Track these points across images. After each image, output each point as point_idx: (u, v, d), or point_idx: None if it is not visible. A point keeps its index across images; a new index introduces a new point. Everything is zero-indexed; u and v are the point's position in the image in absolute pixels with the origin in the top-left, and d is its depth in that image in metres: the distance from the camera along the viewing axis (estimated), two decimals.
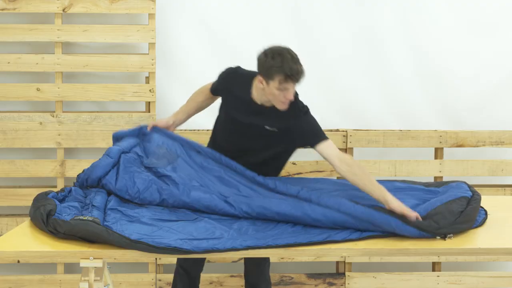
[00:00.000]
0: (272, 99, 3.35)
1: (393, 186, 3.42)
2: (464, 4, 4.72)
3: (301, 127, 3.42)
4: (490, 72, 4.77)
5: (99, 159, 3.39)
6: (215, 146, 3.67)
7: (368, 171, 3.34)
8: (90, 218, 2.85)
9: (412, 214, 3.02)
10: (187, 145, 3.58)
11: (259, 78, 3.34)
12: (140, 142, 3.56)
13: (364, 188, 3.21)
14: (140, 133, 3.60)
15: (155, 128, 3.61)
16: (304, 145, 3.52)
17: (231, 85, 3.57)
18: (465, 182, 3.46)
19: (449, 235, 2.95)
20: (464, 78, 4.76)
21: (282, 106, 3.36)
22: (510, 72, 4.78)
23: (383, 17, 4.70)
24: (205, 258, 3.86)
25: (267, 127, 3.45)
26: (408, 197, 3.30)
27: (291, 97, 3.31)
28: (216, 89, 3.69)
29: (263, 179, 3.39)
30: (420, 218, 3.01)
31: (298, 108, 3.43)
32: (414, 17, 4.73)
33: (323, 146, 3.39)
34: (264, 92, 3.36)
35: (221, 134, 3.66)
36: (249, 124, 3.48)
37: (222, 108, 3.66)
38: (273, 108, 3.42)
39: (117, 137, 3.62)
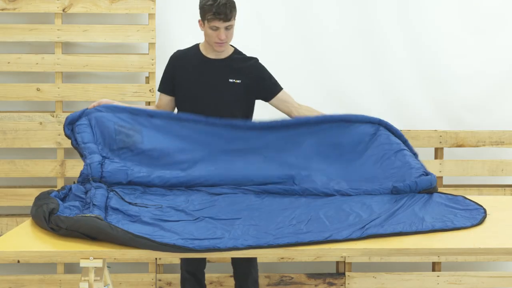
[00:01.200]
0: (208, 40, 3.62)
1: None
2: (464, 4, 4.73)
3: (263, 73, 3.73)
4: (490, 72, 4.77)
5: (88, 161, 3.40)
6: None
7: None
8: (92, 215, 2.85)
9: None
10: (138, 112, 3.61)
11: (199, 21, 3.62)
12: (93, 128, 3.51)
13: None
14: (84, 115, 3.53)
15: (99, 107, 3.57)
16: (267, 93, 3.74)
17: (178, 61, 3.73)
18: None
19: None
20: (464, 78, 4.77)
21: (217, 47, 3.62)
22: (510, 71, 4.78)
23: (383, 17, 4.70)
24: (205, 258, 3.87)
25: (230, 80, 3.66)
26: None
27: (221, 36, 3.56)
28: (164, 83, 3.77)
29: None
30: None
31: (253, 58, 3.74)
32: (414, 17, 4.73)
33: (283, 94, 3.74)
34: (204, 35, 3.63)
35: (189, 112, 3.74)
36: (212, 85, 3.66)
37: (178, 94, 3.74)
38: (230, 61, 3.66)
39: (70, 122, 3.54)
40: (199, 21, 3.64)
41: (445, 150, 4.68)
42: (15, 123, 4.40)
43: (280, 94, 3.73)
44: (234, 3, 3.59)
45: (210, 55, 3.70)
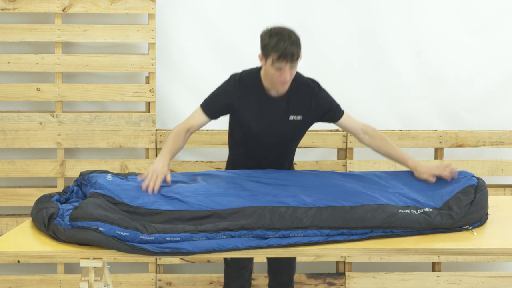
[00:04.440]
0: (271, 79, 3.33)
1: (396, 176, 3.44)
2: (464, 4, 4.72)
3: (323, 104, 3.50)
4: (490, 72, 4.77)
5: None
6: (234, 151, 3.65)
7: (389, 139, 3.55)
8: (91, 228, 2.83)
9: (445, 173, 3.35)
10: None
11: (259, 55, 3.33)
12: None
13: (388, 154, 3.50)
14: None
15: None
16: (329, 120, 3.59)
17: (240, 90, 3.45)
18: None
19: (465, 227, 3.02)
20: (464, 78, 4.76)
21: (280, 87, 3.34)
22: (510, 72, 4.78)
23: (383, 18, 4.70)
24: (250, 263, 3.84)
25: (291, 117, 3.45)
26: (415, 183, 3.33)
27: (286, 77, 3.27)
28: (217, 104, 3.48)
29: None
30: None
31: (312, 86, 3.48)
32: (414, 17, 4.73)
33: (345, 118, 3.57)
34: (264, 71, 3.36)
35: (242, 149, 3.58)
36: (272, 123, 3.45)
37: (233, 123, 3.55)
38: (289, 97, 3.43)
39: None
40: (259, 55, 3.32)
41: (445, 150, 4.69)
42: (15, 123, 4.40)
43: (341, 120, 3.55)
44: (299, 40, 3.26)
45: (272, 91, 3.41)
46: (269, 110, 3.43)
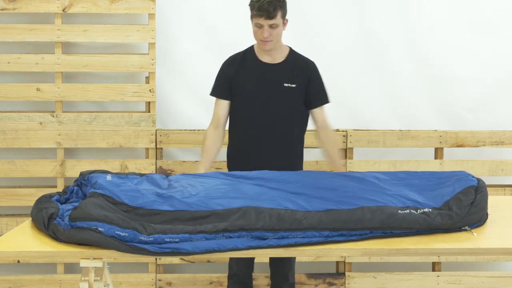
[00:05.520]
0: (254, 37, 3.66)
1: (396, 177, 3.43)
2: (464, 4, 4.73)
3: (316, 81, 3.76)
4: (490, 72, 4.77)
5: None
6: (235, 137, 3.77)
7: (337, 143, 3.91)
8: (91, 229, 2.83)
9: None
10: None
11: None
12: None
13: (326, 150, 3.82)
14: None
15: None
16: (311, 100, 3.77)
17: (235, 65, 3.75)
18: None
19: (464, 228, 3.01)
20: (464, 78, 4.77)
21: (262, 45, 3.65)
22: (510, 72, 4.78)
23: (383, 17, 4.70)
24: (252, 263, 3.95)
25: (286, 84, 3.68)
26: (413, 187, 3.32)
27: (264, 34, 3.59)
28: (221, 86, 3.77)
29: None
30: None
31: (309, 62, 3.77)
32: (414, 17, 4.73)
33: (323, 110, 3.80)
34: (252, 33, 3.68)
35: (242, 119, 3.75)
36: (267, 89, 3.68)
37: (234, 98, 3.75)
38: (284, 66, 3.68)
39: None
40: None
41: (445, 150, 4.68)
42: (15, 123, 4.40)
43: (319, 108, 3.79)
44: (281, 2, 3.62)
45: (265, 58, 3.73)
46: (265, 76, 3.70)
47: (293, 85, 3.69)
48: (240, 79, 3.73)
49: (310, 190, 3.18)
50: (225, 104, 3.76)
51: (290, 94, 3.70)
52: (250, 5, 3.65)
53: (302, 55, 3.82)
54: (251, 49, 3.80)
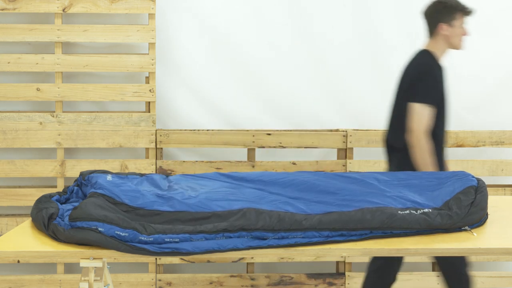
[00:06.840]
0: (453, 41, 3.83)
1: (396, 178, 3.43)
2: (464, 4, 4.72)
3: None
4: (490, 72, 4.77)
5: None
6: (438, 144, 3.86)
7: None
8: (91, 228, 2.83)
9: None
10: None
11: (440, 25, 3.78)
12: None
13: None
14: None
15: None
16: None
17: (440, 69, 3.83)
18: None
19: (464, 228, 3.00)
20: (464, 78, 4.76)
21: (463, 43, 3.86)
22: (510, 72, 4.78)
23: (383, 17, 4.70)
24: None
25: None
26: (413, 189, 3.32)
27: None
28: (437, 93, 3.80)
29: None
30: None
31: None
32: (414, 16, 4.72)
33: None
34: (448, 38, 3.81)
35: (441, 127, 3.87)
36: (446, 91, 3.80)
37: (439, 104, 3.80)
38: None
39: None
40: (439, 25, 3.79)
41: (445, 150, 4.67)
42: (15, 123, 4.40)
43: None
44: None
45: (442, 63, 3.85)
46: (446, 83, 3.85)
47: None
48: (442, 86, 3.85)
49: (310, 194, 3.18)
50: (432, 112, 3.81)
51: None
52: (447, 7, 3.78)
53: None
54: (429, 55, 3.88)
